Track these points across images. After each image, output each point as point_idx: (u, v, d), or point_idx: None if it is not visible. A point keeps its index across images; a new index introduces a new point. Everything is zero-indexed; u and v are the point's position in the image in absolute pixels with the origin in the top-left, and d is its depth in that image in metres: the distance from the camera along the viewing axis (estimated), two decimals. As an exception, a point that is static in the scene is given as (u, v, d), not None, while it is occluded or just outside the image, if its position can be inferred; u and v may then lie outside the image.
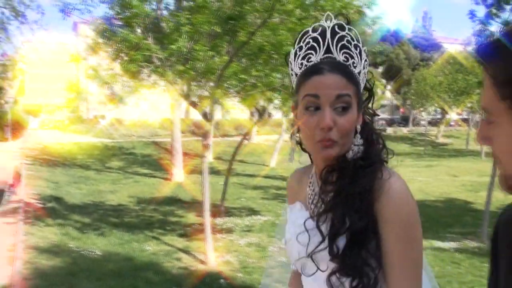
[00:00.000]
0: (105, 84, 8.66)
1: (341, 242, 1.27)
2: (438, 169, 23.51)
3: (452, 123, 44.74)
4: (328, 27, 1.33)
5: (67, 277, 6.31)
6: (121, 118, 49.36)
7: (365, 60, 1.34)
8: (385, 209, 1.22)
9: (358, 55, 1.32)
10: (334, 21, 1.33)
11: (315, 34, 1.33)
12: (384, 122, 45.39)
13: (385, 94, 46.62)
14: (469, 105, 30.60)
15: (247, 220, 11.40)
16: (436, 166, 24.98)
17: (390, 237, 1.22)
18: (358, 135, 1.32)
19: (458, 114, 42.37)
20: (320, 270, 1.32)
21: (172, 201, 14.72)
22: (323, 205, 1.33)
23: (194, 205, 13.74)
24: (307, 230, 1.33)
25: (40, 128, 48.30)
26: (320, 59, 1.32)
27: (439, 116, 45.21)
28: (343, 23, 1.33)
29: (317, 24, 1.34)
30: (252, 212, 12.46)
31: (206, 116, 8.28)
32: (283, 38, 7.55)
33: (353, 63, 1.31)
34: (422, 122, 48.33)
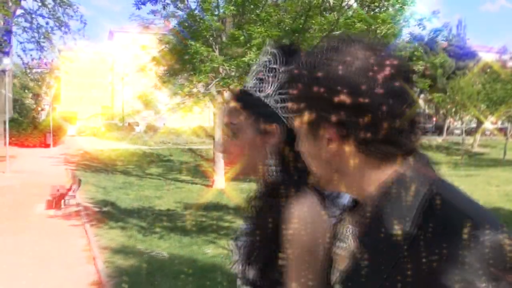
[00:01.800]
0: (174, 94, 9.07)
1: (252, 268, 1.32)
2: (478, 179, 23.36)
3: (487, 133, 44.29)
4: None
5: (146, 275, 6.69)
6: (155, 125, 50.21)
7: (286, 81, 1.26)
8: (284, 235, 1.23)
9: (272, 78, 1.33)
10: (269, 50, 1.37)
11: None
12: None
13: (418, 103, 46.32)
14: (508, 114, 30.35)
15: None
16: (476, 176, 24.80)
17: (288, 261, 1.23)
18: (270, 156, 1.35)
19: (493, 123, 41.94)
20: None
21: (218, 207, 15.05)
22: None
23: (240, 211, 14.08)
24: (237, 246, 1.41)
25: (78, 135, 49.49)
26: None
27: (473, 125, 44.82)
28: (272, 49, 1.36)
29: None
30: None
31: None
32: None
33: (261, 87, 1.34)
34: (456, 131, 47.92)
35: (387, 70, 0.91)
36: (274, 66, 1.34)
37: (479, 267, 0.79)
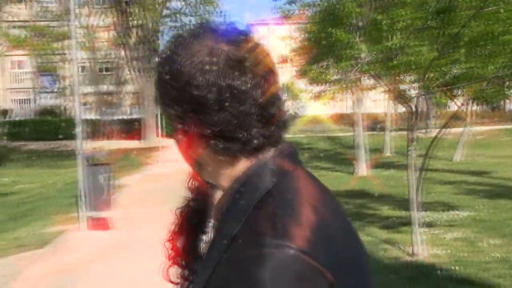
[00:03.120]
0: (314, 83, 9.21)
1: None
2: None
3: None
4: None
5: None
6: (293, 114, 50.82)
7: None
8: None
9: None
10: None
11: None
12: None
13: None
14: None
15: (445, 215, 11.19)
16: None
17: None
18: None
19: None
20: None
21: (361, 194, 14.94)
22: None
23: (383, 198, 13.86)
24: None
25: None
26: None
27: None
28: None
29: None
30: (448, 207, 12.17)
31: (412, 110, 8.35)
32: (497, 27, 7.33)
33: None
34: None
35: (231, 64, 0.89)
36: None
37: (264, 281, 0.76)
